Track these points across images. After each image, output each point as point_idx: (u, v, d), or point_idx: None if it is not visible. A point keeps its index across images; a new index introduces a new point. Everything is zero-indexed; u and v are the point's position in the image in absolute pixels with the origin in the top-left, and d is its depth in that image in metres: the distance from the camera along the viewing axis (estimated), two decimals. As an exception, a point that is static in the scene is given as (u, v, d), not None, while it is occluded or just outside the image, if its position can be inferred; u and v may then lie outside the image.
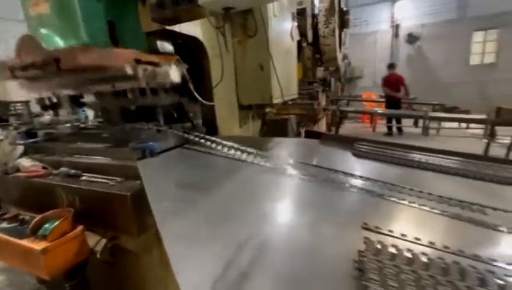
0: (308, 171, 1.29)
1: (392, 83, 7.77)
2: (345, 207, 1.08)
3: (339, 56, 5.47)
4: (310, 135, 2.40)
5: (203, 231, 0.78)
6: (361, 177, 1.29)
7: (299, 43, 4.71)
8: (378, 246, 0.71)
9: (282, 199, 1.08)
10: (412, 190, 1.23)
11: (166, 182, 1.10)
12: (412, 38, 12.11)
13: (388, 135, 7.73)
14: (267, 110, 2.36)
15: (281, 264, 0.67)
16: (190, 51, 1.88)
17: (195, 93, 1.57)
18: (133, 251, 1.22)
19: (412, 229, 0.93)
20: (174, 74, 1.45)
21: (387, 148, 1.72)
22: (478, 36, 11.10)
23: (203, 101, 1.63)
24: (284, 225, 0.89)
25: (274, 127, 2.43)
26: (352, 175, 1.33)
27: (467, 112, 7.70)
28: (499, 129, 4.44)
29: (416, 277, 0.60)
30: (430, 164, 1.61)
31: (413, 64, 12.22)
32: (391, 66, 8.05)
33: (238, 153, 1.41)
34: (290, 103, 2.97)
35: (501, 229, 1.00)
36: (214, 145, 1.48)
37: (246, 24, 2.10)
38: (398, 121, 7.77)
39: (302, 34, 4.58)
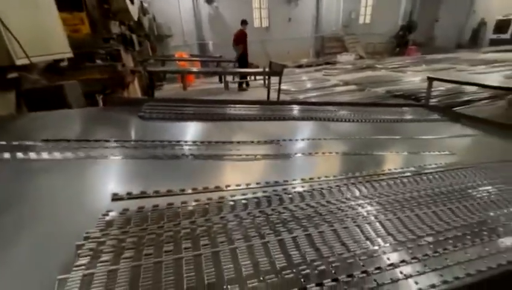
0: (67, 149, 1.04)
1: (236, 39, 8.34)
2: (106, 179, 0.97)
3: (132, 8, 4.82)
4: (109, 101, 2.00)
5: None
6: (135, 141, 1.21)
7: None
8: (113, 217, 0.67)
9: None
10: (202, 143, 1.31)
11: None
12: (209, -1, 12.86)
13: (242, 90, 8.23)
14: (13, 75, 1.64)
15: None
16: None
17: None
18: None
19: (188, 181, 0.99)
20: None
21: (177, 105, 1.73)
22: (256, 3, 13.59)
23: None
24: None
25: (40, 99, 1.78)
26: (128, 141, 1.22)
27: (256, 66, 9.66)
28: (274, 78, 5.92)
29: (142, 235, 0.62)
30: (222, 114, 1.81)
31: (215, 24, 13.31)
32: (243, 23, 8.43)
33: None
34: (64, 64, 2.25)
35: (291, 155, 1.28)
36: None
37: None
38: (243, 77, 8.33)
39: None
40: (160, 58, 8.77)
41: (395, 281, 0.63)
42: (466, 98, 5.27)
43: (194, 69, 7.71)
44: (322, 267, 0.68)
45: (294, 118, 1.92)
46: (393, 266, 0.69)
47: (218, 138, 1.35)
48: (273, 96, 5.48)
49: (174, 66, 9.56)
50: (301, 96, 6.51)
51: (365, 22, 15.45)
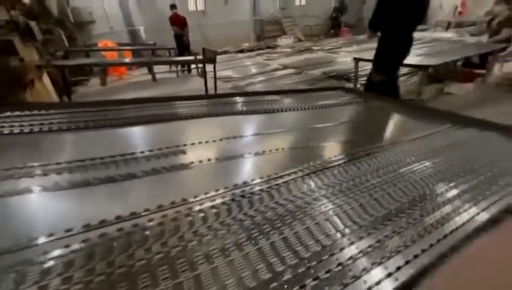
0: None
1: (177, 23, 8.15)
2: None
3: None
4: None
5: None
6: None
7: None
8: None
9: None
10: (81, 161, 1.10)
11: None
12: (134, -22, 11.49)
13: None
14: None
15: None
16: None
17: None
18: None
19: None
20: None
21: (51, 113, 1.31)
22: (187, -17, 12.67)
23: None
24: None
25: None
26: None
27: (196, 54, 9.15)
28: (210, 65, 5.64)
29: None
30: (119, 118, 1.44)
31: (146, 8, 12.04)
32: (173, 7, 8.21)
33: None
34: None
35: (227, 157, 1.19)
36: None
37: None
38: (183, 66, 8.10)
39: None
40: (73, 49, 7.55)
41: (345, 285, 0.63)
42: (389, 76, 5.87)
43: (120, 60, 6.89)
44: (274, 284, 0.64)
45: (230, 113, 1.81)
46: (342, 266, 0.69)
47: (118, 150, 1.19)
48: (211, 85, 5.23)
49: (99, 58, 8.38)
50: (243, 83, 6.44)
51: (301, 4, 15.87)
